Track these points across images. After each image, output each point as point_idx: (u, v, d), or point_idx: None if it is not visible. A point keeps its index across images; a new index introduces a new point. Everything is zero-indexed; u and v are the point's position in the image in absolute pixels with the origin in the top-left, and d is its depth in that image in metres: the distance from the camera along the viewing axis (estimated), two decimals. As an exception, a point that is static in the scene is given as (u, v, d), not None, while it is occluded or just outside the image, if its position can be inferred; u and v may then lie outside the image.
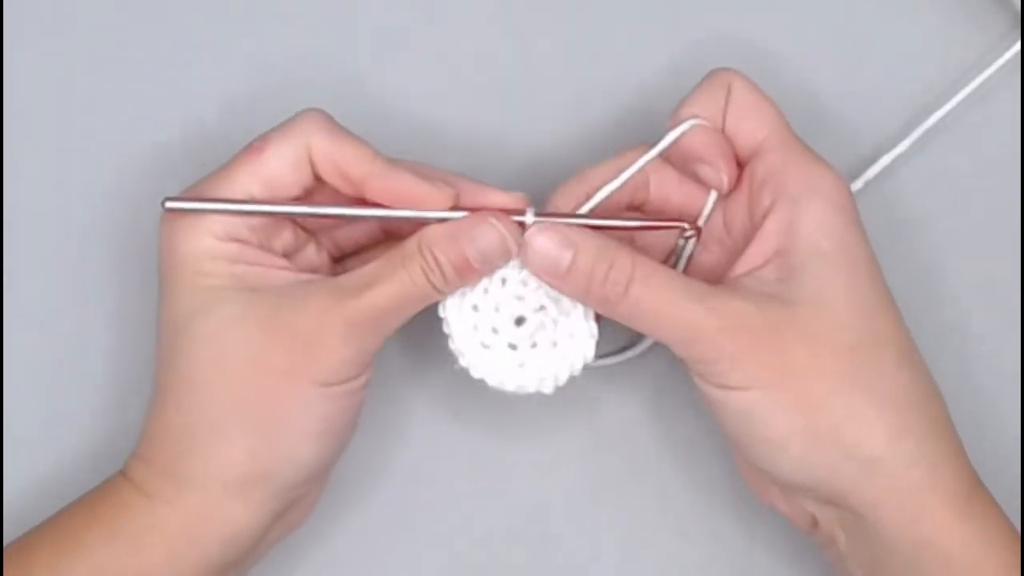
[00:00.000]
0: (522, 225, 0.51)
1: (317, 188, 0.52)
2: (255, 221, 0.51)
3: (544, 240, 0.50)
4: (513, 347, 0.52)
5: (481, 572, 0.58)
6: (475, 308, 0.52)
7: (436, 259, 0.50)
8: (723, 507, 0.58)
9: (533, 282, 0.52)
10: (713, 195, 0.54)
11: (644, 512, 0.58)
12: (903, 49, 0.61)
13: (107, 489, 0.51)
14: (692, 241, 0.54)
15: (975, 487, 0.51)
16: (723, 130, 0.53)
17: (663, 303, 0.49)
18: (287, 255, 0.53)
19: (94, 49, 0.60)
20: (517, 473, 0.58)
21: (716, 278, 0.53)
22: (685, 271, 0.54)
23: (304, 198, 0.52)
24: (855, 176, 0.59)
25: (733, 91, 0.52)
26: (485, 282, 0.52)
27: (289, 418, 0.50)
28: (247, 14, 0.61)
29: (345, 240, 0.55)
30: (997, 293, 0.59)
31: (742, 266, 0.52)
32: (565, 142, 0.60)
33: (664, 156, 0.53)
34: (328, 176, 0.51)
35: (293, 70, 0.60)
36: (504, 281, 0.52)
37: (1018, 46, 0.59)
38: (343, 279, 0.50)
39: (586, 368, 0.52)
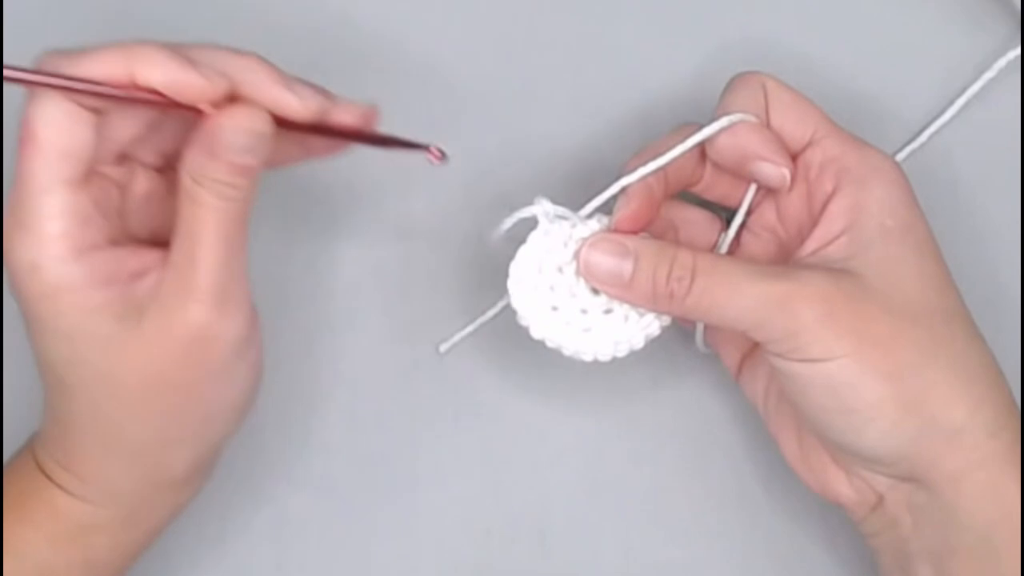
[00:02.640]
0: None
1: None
2: (85, 209, 0.46)
3: (601, 255, 0.50)
4: (609, 312, 0.52)
5: (481, 572, 0.58)
6: (555, 309, 0.52)
7: (214, 179, 0.47)
8: (723, 506, 0.58)
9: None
10: (753, 187, 0.54)
11: (644, 511, 0.58)
12: (903, 51, 0.61)
13: (32, 489, 0.50)
14: (731, 233, 0.54)
15: None
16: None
17: (732, 287, 0.49)
18: (124, 208, 0.49)
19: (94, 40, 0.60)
20: (517, 473, 0.58)
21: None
22: None
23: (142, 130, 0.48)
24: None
25: (769, 91, 0.53)
26: (547, 280, 0.51)
27: (208, 419, 0.50)
28: (246, 23, 0.61)
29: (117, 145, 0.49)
30: (998, 293, 0.59)
31: (807, 248, 0.51)
32: (590, 142, 0.60)
33: (714, 159, 0.53)
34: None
35: (292, 59, 0.59)
36: (561, 269, 0.51)
37: (1019, 48, 0.60)
38: (173, 260, 0.47)
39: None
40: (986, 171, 0.61)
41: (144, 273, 0.48)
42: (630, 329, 0.52)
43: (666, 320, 0.52)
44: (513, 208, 0.52)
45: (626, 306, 0.52)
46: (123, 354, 0.47)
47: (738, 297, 0.49)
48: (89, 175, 0.47)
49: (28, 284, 0.46)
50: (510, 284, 0.52)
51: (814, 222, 0.52)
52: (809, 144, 0.53)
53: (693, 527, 0.58)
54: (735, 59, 0.58)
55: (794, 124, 0.52)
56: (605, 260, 0.50)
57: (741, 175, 0.53)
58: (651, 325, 0.52)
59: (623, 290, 0.50)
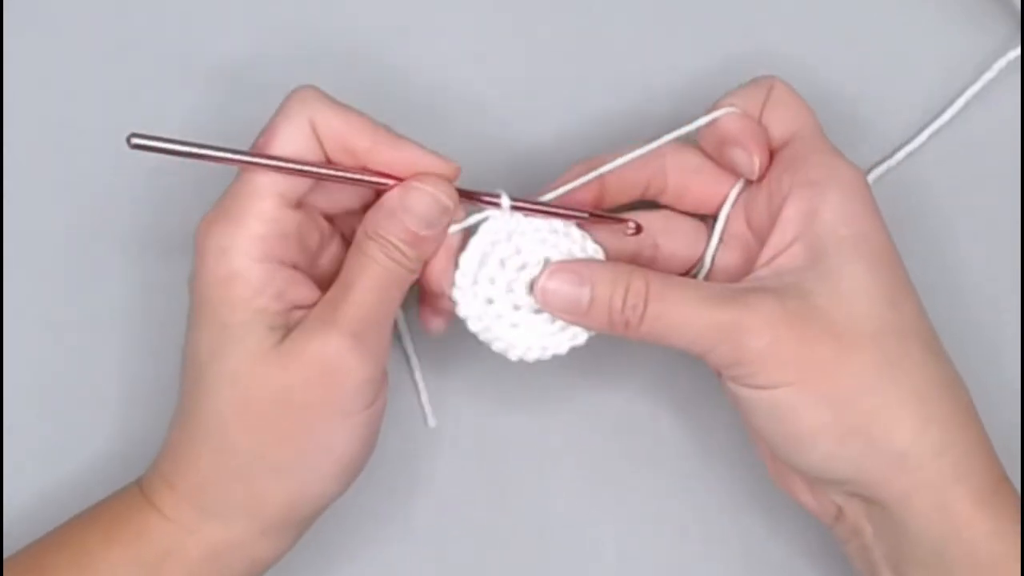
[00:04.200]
0: (497, 206, 0.52)
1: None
2: (287, 228, 0.50)
3: (559, 283, 0.51)
4: (539, 312, 0.52)
5: (481, 572, 0.58)
6: (490, 301, 0.52)
7: (386, 239, 0.50)
8: (722, 506, 0.58)
9: (527, 244, 0.52)
10: (736, 187, 0.54)
11: (644, 511, 0.58)
12: (904, 52, 0.61)
13: (125, 507, 0.51)
14: (716, 240, 0.54)
15: (1001, 478, 0.51)
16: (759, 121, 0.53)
17: (682, 314, 0.49)
18: (313, 258, 0.52)
19: (94, 41, 0.60)
20: (517, 472, 0.58)
21: (739, 275, 0.53)
22: (710, 272, 0.55)
23: (314, 185, 0.51)
24: (855, 179, 0.59)
25: (772, 91, 0.53)
26: (488, 272, 0.52)
27: (318, 456, 0.50)
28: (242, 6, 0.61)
29: (335, 206, 0.53)
30: (998, 294, 0.59)
31: (764, 256, 0.52)
32: (570, 140, 0.60)
33: (694, 142, 0.53)
34: (331, 151, 0.50)
35: (291, 58, 0.60)
36: (503, 263, 0.52)
37: (1019, 48, 0.59)
38: (327, 297, 0.50)
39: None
40: (986, 171, 0.60)
41: (306, 305, 0.50)
42: (555, 333, 0.52)
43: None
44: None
45: None
46: (260, 362, 0.49)
47: (688, 325, 0.49)
48: (301, 206, 0.50)
49: (211, 267, 0.49)
50: (456, 275, 0.52)
51: (772, 226, 0.52)
52: (785, 143, 0.53)
53: (692, 528, 0.58)
54: (733, 61, 0.58)
55: (780, 120, 0.53)
56: (562, 288, 0.51)
57: (720, 159, 0.54)
58: (578, 336, 0.52)
59: (582, 318, 0.51)
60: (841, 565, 0.55)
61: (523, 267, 0.52)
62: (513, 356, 0.52)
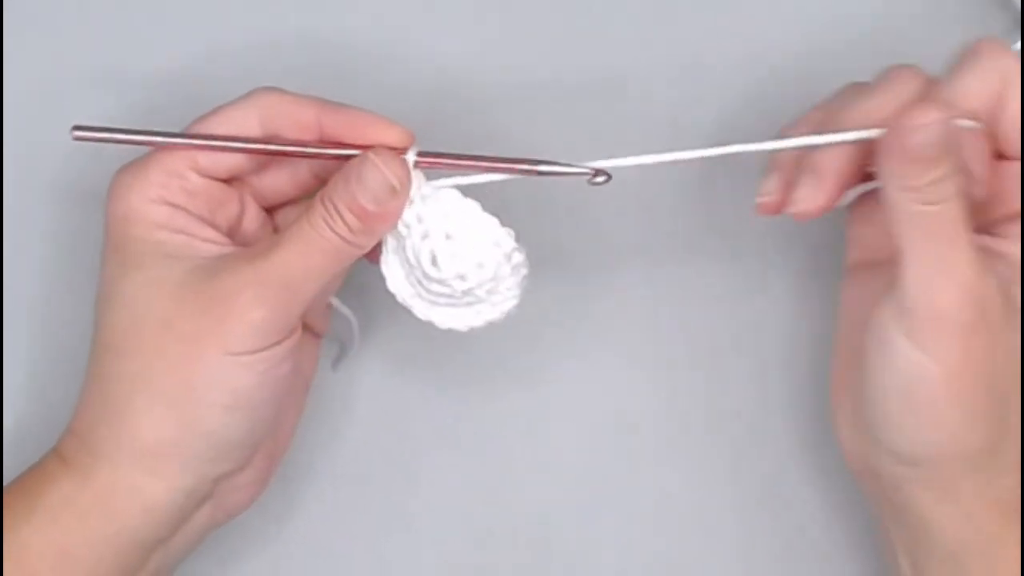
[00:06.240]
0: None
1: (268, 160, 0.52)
2: (193, 187, 0.51)
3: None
4: (446, 285, 0.51)
5: (481, 572, 0.58)
6: (405, 263, 0.51)
7: (335, 206, 0.49)
8: (723, 506, 0.58)
9: (429, 213, 0.50)
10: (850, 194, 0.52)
11: (644, 512, 0.59)
12: (902, 48, 0.60)
13: (39, 465, 0.51)
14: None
15: None
16: (997, 124, 0.49)
17: None
18: (231, 229, 0.53)
19: (93, 44, 0.61)
20: (518, 472, 0.59)
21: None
22: None
23: (253, 167, 0.52)
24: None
25: (1010, 83, 0.48)
26: (396, 236, 0.51)
27: (198, 387, 0.49)
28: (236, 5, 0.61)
29: (273, 193, 0.54)
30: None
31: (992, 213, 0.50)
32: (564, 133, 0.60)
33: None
34: (287, 131, 0.51)
35: (288, 59, 0.60)
36: (408, 226, 0.50)
37: (1018, 46, 0.59)
38: (256, 244, 0.51)
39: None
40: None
41: (215, 242, 0.51)
42: (460, 308, 0.52)
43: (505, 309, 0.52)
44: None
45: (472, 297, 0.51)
46: (154, 288, 0.49)
47: None
48: (229, 181, 0.52)
49: (112, 206, 0.51)
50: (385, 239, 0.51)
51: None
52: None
53: (693, 527, 0.58)
54: (730, 57, 0.58)
55: (1014, 140, 0.49)
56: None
57: None
58: (483, 312, 0.52)
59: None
60: (841, 564, 0.56)
61: (425, 236, 0.50)
62: (419, 315, 0.52)
